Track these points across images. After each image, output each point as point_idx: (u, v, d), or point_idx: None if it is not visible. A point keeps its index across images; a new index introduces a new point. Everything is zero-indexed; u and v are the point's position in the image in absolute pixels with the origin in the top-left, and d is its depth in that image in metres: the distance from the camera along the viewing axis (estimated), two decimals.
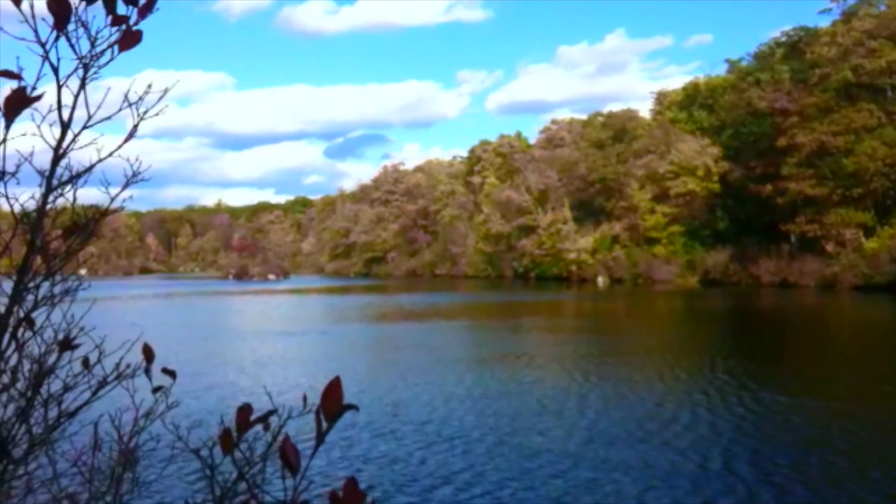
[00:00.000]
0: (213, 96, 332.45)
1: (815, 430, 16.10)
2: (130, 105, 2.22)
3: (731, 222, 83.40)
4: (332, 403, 1.81)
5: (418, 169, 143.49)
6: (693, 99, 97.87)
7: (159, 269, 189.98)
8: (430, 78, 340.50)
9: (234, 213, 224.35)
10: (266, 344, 33.76)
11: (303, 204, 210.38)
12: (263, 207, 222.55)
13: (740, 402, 18.86)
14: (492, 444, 15.36)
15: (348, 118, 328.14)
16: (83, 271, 2.56)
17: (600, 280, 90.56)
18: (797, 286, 68.72)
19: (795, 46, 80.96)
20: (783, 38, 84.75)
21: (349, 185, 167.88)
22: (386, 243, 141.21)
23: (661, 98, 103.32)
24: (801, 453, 14.35)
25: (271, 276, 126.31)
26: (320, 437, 1.77)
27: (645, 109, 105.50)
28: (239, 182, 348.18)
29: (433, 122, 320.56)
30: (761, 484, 12.42)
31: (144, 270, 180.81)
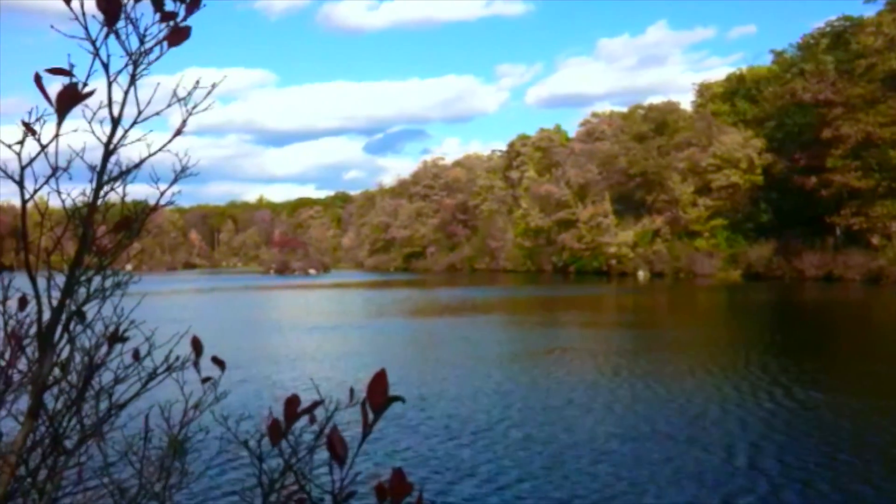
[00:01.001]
0: (254, 93, 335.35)
1: (847, 427, 15.82)
2: (179, 101, 2.25)
3: (775, 215, 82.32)
4: (378, 395, 1.82)
5: (457, 163, 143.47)
6: (736, 90, 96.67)
7: (202, 265, 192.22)
8: (470, 72, 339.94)
9: (275, 208, 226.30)
10: (307, 337, 34.03)
11: (343, 199, 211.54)
12: (304, 203, 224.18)
13: (772, 398, 18.61)
14: (518, 439, 15.35)
15: (388, 114, 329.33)
16: (129, 266, 2.61)
17: (640, 274, 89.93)
18: (842, 280, 67.68)
19: (840, 36, 79.64)
20: (827, 29, 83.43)
21: (388, 181, 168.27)
22: (425, 238, 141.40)
23: (702, 90, 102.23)
24: (831, 450, 14.12)
25: (312, 271, 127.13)
26: (367, 429, 1.78)
27: (686, 102, 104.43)
28: (280, 178, 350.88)
29: (472, 117, 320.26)
30: (786, 480, 12.25)
31: (188, 266, 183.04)
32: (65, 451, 2.63)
